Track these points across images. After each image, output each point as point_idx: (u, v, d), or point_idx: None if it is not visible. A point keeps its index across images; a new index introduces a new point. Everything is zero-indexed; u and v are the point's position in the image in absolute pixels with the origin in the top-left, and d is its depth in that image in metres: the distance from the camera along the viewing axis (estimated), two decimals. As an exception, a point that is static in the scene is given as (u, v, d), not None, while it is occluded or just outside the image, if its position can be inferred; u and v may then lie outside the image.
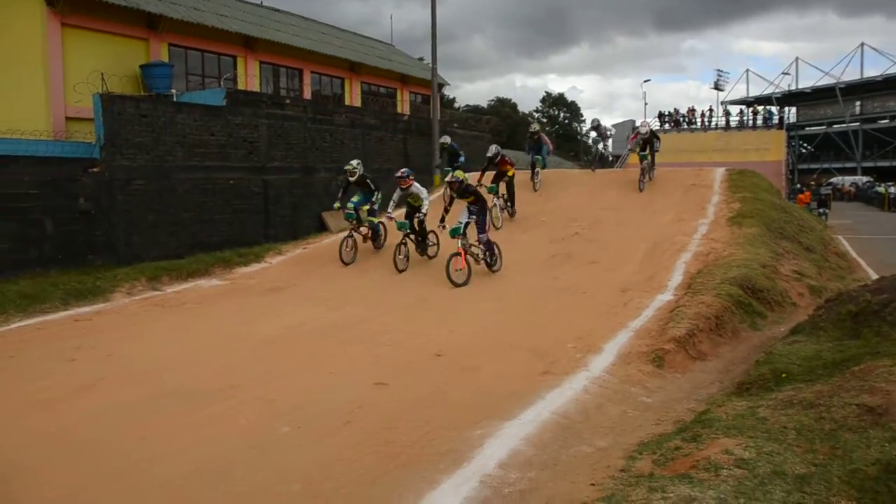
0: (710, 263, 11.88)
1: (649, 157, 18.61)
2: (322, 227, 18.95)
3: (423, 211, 13.70)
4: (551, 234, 14.93)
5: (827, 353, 6.95)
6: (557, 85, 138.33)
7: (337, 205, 14.88)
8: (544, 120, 20.03)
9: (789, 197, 34.61)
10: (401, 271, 13.34)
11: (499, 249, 13.21)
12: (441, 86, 33.59)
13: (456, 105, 61.87)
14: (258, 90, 23.36)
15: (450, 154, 20.73)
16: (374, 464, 5.19)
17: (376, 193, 14.93)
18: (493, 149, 16.96)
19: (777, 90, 65.95)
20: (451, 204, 13.13)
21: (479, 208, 12.90)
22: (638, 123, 22.16)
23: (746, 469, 4.35)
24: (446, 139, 21.33)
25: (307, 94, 26.08)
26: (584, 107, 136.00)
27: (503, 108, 70.30)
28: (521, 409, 6.20)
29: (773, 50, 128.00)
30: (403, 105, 32.17)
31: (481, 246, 12.87)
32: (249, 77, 23.98)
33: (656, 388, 7.27)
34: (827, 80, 63.27)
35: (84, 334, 9.40)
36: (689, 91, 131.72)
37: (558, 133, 74.34)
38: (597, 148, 23.74)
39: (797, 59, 79.64)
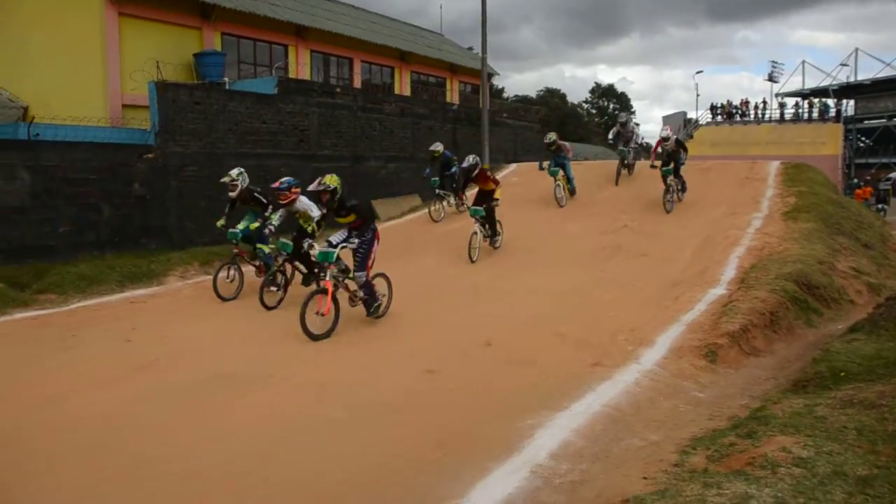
0: (763, 258, 11.62)
1: (673, 172, 15.72)
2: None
3: (315, 234, 10.52)
4: (601, 226, 14.77)
5: (888, 352, 6.75)
6: (607, 76, 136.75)
7: (220, 222, 11.56)
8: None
9: (845, 192, 33.66)
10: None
11: (389, 288, 9.98)
12: (490, 75, 33.47)
13: (504, 95, 61.46)
14: (309, 79, 23.51)
15: (441, 164, 17.92)
16: (423, 451, 5.21)
17: (273, 211, 11.20)
18: (470, 159, 14.44)
19: (834, 82, 64.09)
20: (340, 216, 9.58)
21: (361, 234, 9.34)
22: (664, 130, 16.55)
23: (805, 468, 4.24)
24: (438, 147, 18.07)
25: (357, 83, 26.18)
26: (634, 98, 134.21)
27: (552, 98, 69.63)
28: (571, 400, 6.16)
29: (831, 41, 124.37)
30: (453, 94, 32.14)
31: (360, 290, 9.31)
32: (300, 66, 24.16)
33: (709, 383, 7.15)
34: (888, 72, 61.34)
35: (139, 316, 9.62)
36: (742, 83, 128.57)
37: (607, 124, 73.46)
38: (624, 151, 18.99)
39: (856, 49, 77.34)
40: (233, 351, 8.04)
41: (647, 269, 11.98)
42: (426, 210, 18.01)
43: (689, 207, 15.82)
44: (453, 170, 17.46)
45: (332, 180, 9.12)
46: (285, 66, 23.54)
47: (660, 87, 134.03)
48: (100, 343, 8.23)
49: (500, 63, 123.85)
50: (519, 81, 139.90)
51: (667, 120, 55.26)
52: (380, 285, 9.68)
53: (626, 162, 18.84)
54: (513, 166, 23.11)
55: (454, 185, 17.20)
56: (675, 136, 15.98)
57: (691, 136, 51.03)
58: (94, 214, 13.67)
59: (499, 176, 21.67)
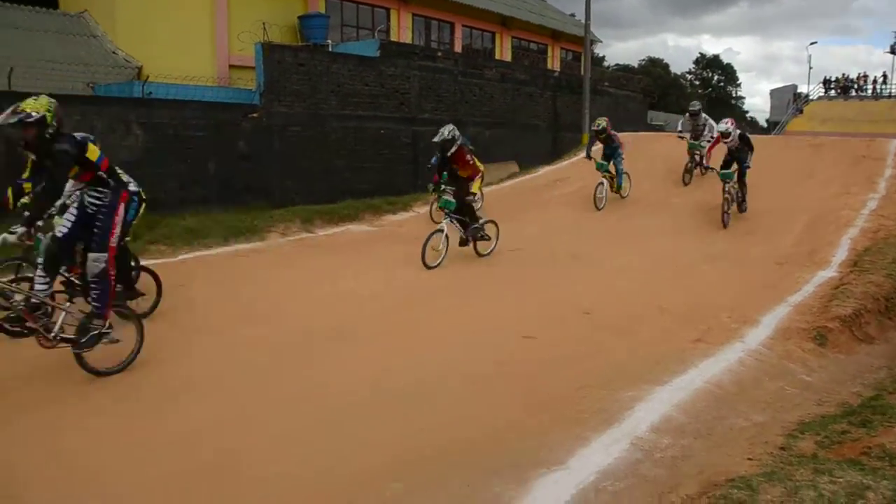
0: (879, 241, 10.99)
1: (735, 177, 12.86)
2: (468, 181, 18.98)
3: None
4: (705, 201, 14.26)
5: None
6: (712, 46, 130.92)
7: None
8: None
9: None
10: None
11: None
12: (592, 42, 32.73)
13: (605, 64, 60.20)
14: (410, 42, 23.54)
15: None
16: (521, 416, 5.16)
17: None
18: (445, 131, 10.42)
19: (965, 55, 59.97)
20: None
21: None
22: (723, 123, 13.09)
23: (928, 462, 4.00)
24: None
25: (458, 48, 26.05)
26: (741, 70, 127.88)
27: (654, 68, 67.73)
28: (672, 375, 5.97)
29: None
30: (554, 61, 31.62)
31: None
32: (402, 29, 24.20)
33: (817, 367, 6.82)
34: None
35: (243, 269, 9.88)
36: (860, 55, 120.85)
37: (711, 96, 70.97)
38: (694, 145, 15.91)
39: None
40: (332, 308, 8.16)
41: (752, 246, 11.52)
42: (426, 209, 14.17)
43: (798, 184, 15.08)
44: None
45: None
46: (387, 29, 23.62)
47: (768, 59, 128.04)
48: (205, 293, 8.50)
49: (602, 31, 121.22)
50: (620, 50, 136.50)
51: (775, 94, 52.78)
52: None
53: (695, 160, 15.85)
54: (613, 136, 22.59)
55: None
56: (738, 131, 12.88)
57: (801, 112, 48.65)
58: (200, 171, 14.15)
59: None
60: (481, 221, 10.79)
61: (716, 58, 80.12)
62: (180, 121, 13.88)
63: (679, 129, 16.93)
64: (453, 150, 10.37)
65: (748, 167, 12.99)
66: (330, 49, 19.05)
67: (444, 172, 11.26)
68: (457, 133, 10.46)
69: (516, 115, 21.17)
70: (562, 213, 13.44)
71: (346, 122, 16.33)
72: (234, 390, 5.65)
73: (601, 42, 40.55)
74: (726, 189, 12.74)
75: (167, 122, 13.81)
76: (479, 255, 10.98)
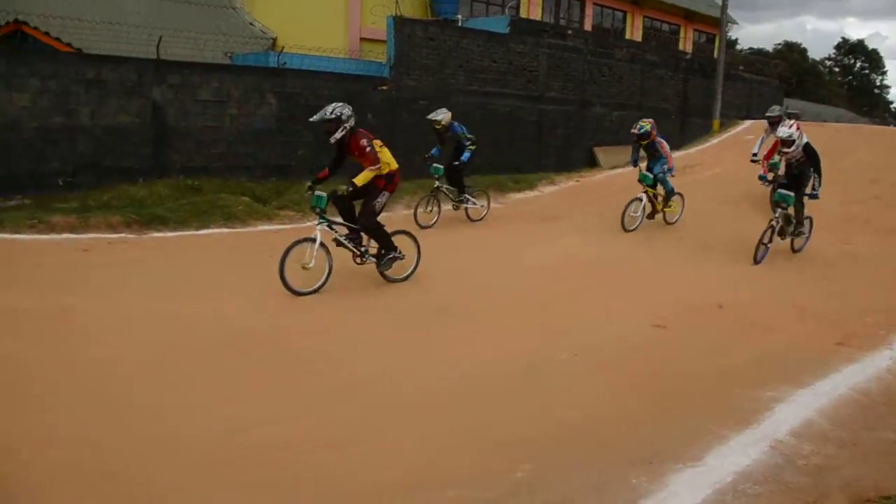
0: None
1: (792, 202, 9.70)
2: (592, 162, 18.64)
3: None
4: (846, 195, 13.36)
5: None
6: (856, 30, 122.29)
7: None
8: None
9: None
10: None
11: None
12: (727, 25, 31.33)
13: (738, 47, 57.63)
14: (540, 20, 23.22)
15: (450, 142, 12.28)
16: (651, 405, 5.03)
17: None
18: (328, 109, 7.71)
19: None
20: None
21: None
22: (784, 127, 9.88)
23: None
24: (439, 115, 11.99)
25: (587, 26, 25.51)
26: (888, 56, 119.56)
27: (790, 53, 64.14)
28: (814, 378, 5.65)
29: None
30: (686, 43, 30.48)
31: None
32: (532, 6, 23.90)
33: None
34: None
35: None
36: None
37: (851, 85, 66.82)
38: (775, 165, 11.40)
39: None
40: (459, 286, 8.19)
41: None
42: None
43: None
44: (465, 156, 11.94)
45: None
46: (517, 5, 23.37)
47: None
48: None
49: (736, 12, 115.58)
50: (753, 33, 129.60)
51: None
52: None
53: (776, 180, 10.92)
54: (746, 123, 21.56)
55: (457, 175, 12.10)
56: (803, 139, 9.69)
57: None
58: (327, 140, 14.39)
59: (729, 134, 20.43)
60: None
61: (860, 43, 74.88)
62: (312, 91, 14.18)
63: (755, 151, 13.59)
64: (339, 135, 7.71)
65: (815, 196, 9.91)
66: (460, 24, 19.01)
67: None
68: (346, 112, 7.71)
69: (645, 98, 20.57)
70: (697, 199, 12.85)
71: (472, 97, 16.27)
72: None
73: (737, 24, 38.71)
74: (776, 216, 9.74)
75: (299, 92, 14.15)
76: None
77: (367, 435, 4.47)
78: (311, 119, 8.05)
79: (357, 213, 8.04)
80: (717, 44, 24.90)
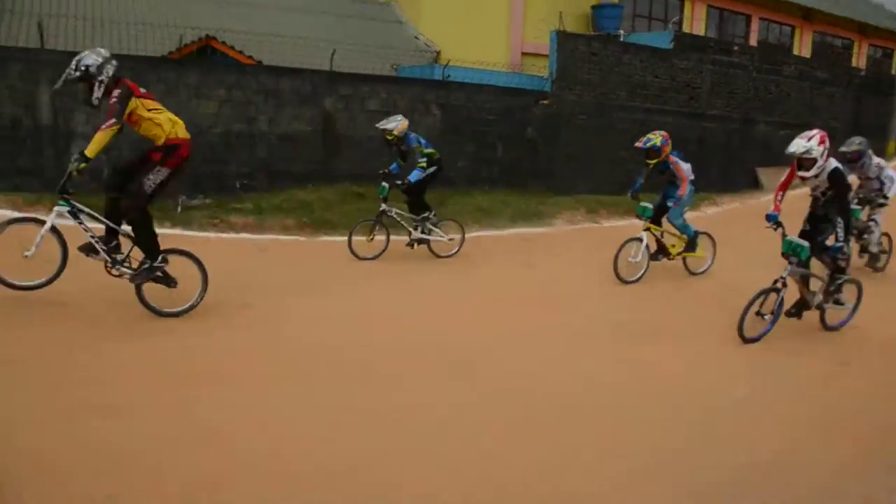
0: None
1: (808, 254, 6.81)
2: (756, 184, 17.97)
3: None
4: None
5: None
6: None
7: None
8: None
9: None
10: None
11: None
12: (909, 38, 29.35)
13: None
14: (703, 35, 22.68)
15: (401, 152, 10.13)
16: (851, 457, 4.78)
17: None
18: (74, 66, 5.87)
19: None
20: None
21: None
22: (801, 140, 6.67)
23: None
24: (391, 123, 9.83)
25: (753, 42, 24.66)
26: None
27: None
28: None
29: None
30: (859, 59, 28.81)
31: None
32: (695, 21, 23.39)
33: None
34: None
35: (530, 252, 10.21)
36: None
37: None
38: (857, 212, 9.57)
39: None
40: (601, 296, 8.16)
41: None
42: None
43: None
44: (413, 176, 9.70)
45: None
46: (680, 20, 22.94)
47: None
48: (502, 269, 8.93)
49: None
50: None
51: None
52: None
53: (858, 231, 9.65)
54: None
55: (418, 197, 10.03)
56: (832, 163, 6.87)
57: None
58: (489, 153, 14.76)
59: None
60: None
61: None
62: (474, 103, 14.55)
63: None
64: (99, 94, 5.87)
65: (841, 253, 7.06)
66: (622, 39, 18.91)
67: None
68: (93, 60, 5.84)
69: (813, 117, 19.61)
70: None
71: (632, 113, 16.13)
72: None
73: (917, 38, 36.16)
74: (787, 272, 6.81)
75: (462, 105, 14.55)
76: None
77: None
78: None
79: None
80: (894, 59, 23.39)
